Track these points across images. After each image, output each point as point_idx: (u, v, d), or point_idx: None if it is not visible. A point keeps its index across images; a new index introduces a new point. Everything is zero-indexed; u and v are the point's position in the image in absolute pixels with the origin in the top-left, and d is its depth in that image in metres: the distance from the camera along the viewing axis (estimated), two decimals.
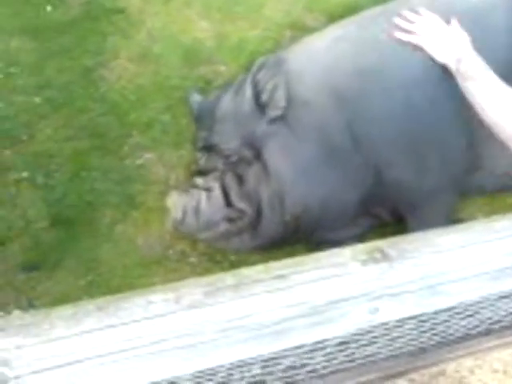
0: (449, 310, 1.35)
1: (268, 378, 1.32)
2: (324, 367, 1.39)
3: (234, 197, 2.18)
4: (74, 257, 2.24)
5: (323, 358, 1.35)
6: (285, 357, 1.27)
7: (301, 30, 2.68)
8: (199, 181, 2.24)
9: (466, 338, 1.51)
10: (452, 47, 2.06)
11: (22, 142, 2.42)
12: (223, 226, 2.19)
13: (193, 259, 2.29)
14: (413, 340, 1.43)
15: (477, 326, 1.48)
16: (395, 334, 1.36)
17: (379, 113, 2.14)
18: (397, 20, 2.15)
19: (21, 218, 2.28)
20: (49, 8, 2.71)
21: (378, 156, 2.15)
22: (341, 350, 1.35)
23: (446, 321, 1.40)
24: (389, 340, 1.39)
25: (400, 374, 1.54)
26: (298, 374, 1.38)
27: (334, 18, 2.57)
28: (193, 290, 1.07)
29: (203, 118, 2.32)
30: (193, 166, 2.37)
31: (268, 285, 1.09)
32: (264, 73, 2.17)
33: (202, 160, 2.28)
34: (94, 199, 2.34)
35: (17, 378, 0.96)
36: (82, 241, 2.27)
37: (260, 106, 2.15)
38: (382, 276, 1.12)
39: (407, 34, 2.13)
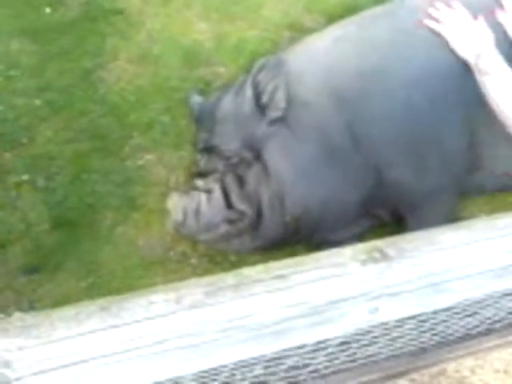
0: (449, 309, 1.35)
1: (270, 378, 1.32)
2: (326, 367, 1.39)
3: (235, 198, 2.18)
4: (75, 259, 2.24)
5: (325, 358, 1.35)
6: (287, 357, 1.27)
7: (300, 31, 2.68)
8: (199, 182, 2.24)
9: (466, 337, 1.51)
10: (474, 43, 2.08)
11: (23, 144, 2.42)
12: (223, 228, 2.19)
13: (193, 260, 2.29)
14: (413, 340, 1.43)
15: (477, 326, 1.48)
16: (395, 334, 1.37)
17: (379, 113, 2.14)
18: (430, 9, 2.15)
19: (21, 220, 2.28)
20: (48, 10, 2.71)
21: (378, 156, 2.15)
22: (342, 350, 1.35)
23: (446, 320, 1.40)
24: (389, 340, 1.39)
25: (401, 374, 1.54)
26: (300, 375, 1.38)
27: (332, 18, 2.57)
28: (193, 290, 1.07)
29: (203, 120, 2.32)
30: (193, 167, 2.37)
31: (268, 285, 1.09)
32: (264, 74, 2.17)
33: (203, 162, 2.29)
34: (94, 201, 2.34)
35: (18, 379, 0.96)
36: (82, 243, 2.28)
37: (260, 108, 2.15)
38: (381, 276, 1.12)
39: (437, 23, 2.14)
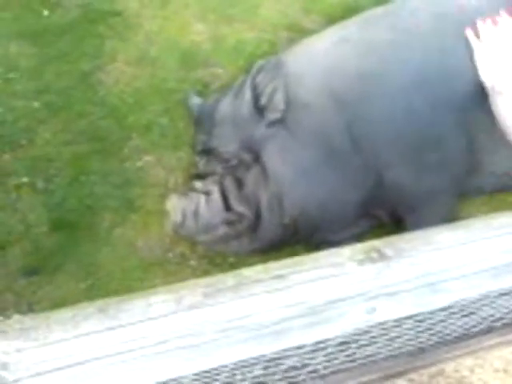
0: (447, 308, 1.35)
1: (270, 378, 1.32)
2: (325, 367, 1.39)
3: (233, 200, 2.18)
4: (74, 261, 2.24)
5: (324, 359, 1.35)
6: (286, 357, 1.27)
7: (298, 32, 2.69)
8: (198, 184, 2.25)
9: (465, 336, 1.51)
10: (497, 70, 2.06)
11: (22, 146, 2.42)
12: (222, 230, 2.19)
13: (192, 262, 2.29)
14: (411, 340, 1.43)
15: (476, 325, 1.48)
16: (394, 334, 1.37)
17: (379, 115, 2.14)
18: (480, 19, 2.13)
19: (21, 222, 2.28)
20: (46, 12, 2.71)
21: (378, 158, 2.15)
22: (341, 350, 1.35)
23: (444, 320, 1.40)
24: (388, 340, 1.39)
25: (400, 374, 1.54)
26: (299, 375, 1.38)
27: (331, 19, 2.57)
28: (193, 290, 1.08)
29: (202, 122, 2.32)
30: (192, 169, 2.37)
31: (267, 285, 1.09)
32: (263, 76, 2.18)
33: (201, 163, 2.29)
34: (93, 203, 2.34)
35: (16, 381, 0.96)
36: (81, 245, 2.28)
37: (259, 109, 2.15)
38: (378, 276, 1.13)
39: (476, 35, 2.12)
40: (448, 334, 1.46)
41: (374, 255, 1.13)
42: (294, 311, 1.10)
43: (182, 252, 2.30)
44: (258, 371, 1.28)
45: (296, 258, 1.16)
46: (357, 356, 1.41)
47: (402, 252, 1.15)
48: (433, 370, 1.58)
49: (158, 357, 1.04)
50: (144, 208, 2.36)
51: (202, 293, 1.08)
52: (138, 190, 2.38)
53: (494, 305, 1.43)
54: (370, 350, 1.40)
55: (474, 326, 1.48)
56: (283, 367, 1.32)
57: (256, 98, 2.16)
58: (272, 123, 2.14)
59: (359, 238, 2.20)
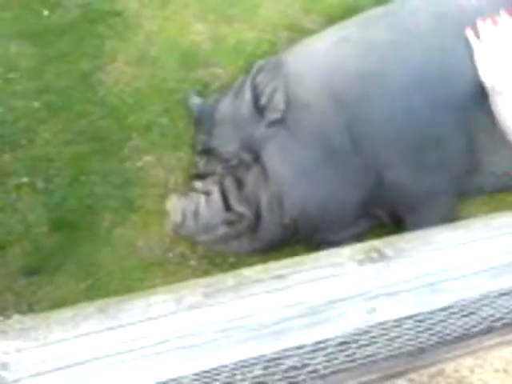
0: (447, 308, 1.35)
1: (270, 378, 1.32)
2: (325, 367, 1.39)
3: (233, 200, 2.18)
4: (74, 261, 2.24)
5: (324, 359, 1.35)
6: (286, 357, 1.27)
7: (298, 32, 2.69)
8: (198, 184, 2.25)
9: (465, 336, 1.51)
10: (497, 70, 2.06)
11: (22, 146, 2.42)
12: (222, 230, 2.19)
13: (193, 262, 2.29)
14: (411, 340, 1.43)
15: (476, 325, 1.48)
16: (394, 334, 1.37)
17: (379, 115, 2.14)
18: (480, 19, 2.12)
19: (21, 222, 2.29)
20: (46, 12, 2.72)
21: (378, 158, 2.15)
22: (341, 350, 1.35)
23: (444, 320, 1.40)
24: (388, 340, 1.39)
25: (400, 374, 1.54)
26: (299, 375, 1.38)
27: (331, 19, 2.58)
28: (193, 290, 1.08)
29: (202, 122, 2.32)
30: (192, 169, 2.37)
31: (267, 285, 1.09)
32: (263, 76, 2.18)
33: (201, 163, 2.29)
34: (93, 203, 2.34)
35: (16, 381, 0.96)
36: (81, 245, 2.28)
37: (259, 109, 2.15)
38: (378, 276, 1.12)
39: (476, 35, 2.12)
40: (448, 334, 1.46)
41: (374, 255, 1.13)
42: (294, 311, 1.10)
43: (182, 252, 2.30)
44: (258, 371, 1.28)
45: (296, 258, 1.16)
46: (357, 356, 1.41)
47: (402, 252, 1.15)
48: (433, 370, 1.58)
49: (158, 357, 1.04)
50: (144, 208, 2.36)
51: (201, 293, 1.08)
52: (138, 190, 2.38)
53: (493, 305, 1.43)
54: (370, 350, 1.40)
55: (474, 326, 1.48)
56: (283, 367, 1.32)
57: (256, 98, 2.16)
58: (272, 123, 2.14)
59: (359, 238, 2.20)
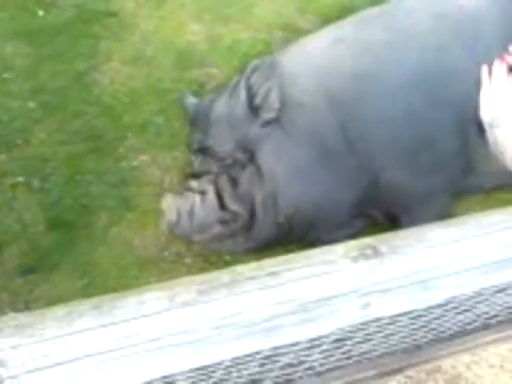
0: (442, 305, 1.35)
1: (266, 375, 1.33)
2: (321, 364, 1.40)
3: (228, 199, 2.18)
4: (71, 260, 2.24)
5: (320, 356, 1.36)
6: (282, 354, 1.27)
7: (293, 32, 2.69)
8: (193, 183, 2.25)
9: (460, 334, 1.51)
10: (497, 105, 2.04)
11: (17, 146, 2.43)
12: (217, 229, 2.19)
13: (188, 260, 2.30)
14: (407, 337, 1.43)
15: (472, 322, 1.49)
16: (389, 331, 1.37)
17: (374, 115, 2.14)
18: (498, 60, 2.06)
19: (17, 221, 2.29)
20: (41, 12, 2.72)
21: (372, 158, 2.15)
22: (337, 348, 1.36)
23: (438, 317, 1.40)
24: (383, 337, 1.40)
25: (396, 371, 1.55)
26: (295, 372, 1.38)
27: (326, 19, 2.58)
28: (187, 288, 1.08)
29: (198, 121, 2.32)
30: (187, 168, 2.38)
31: (260, 282, 1.09)
32: (258, 76, 2.18)
33: (197, 163, 2.29)
34: (89, 202, 2.35)
35: (12, 377, 0.96)
36: (78, 244, 2.28)
37: (254, 109, 2.15)
38: (372, 272, 1.12)
39: (495, 68, 2.07)
40: (443, 332, 1.47)
41: (368, 252, 1.13)
42: (286, 308, 1.10)
43: (177, 250, 2.30)
44: (254, 368, 1.28)
45: (290, 255, 1.15)
46: (352, 353, 1.41)
47: (397, 249, 1.15)
48: (430, 366, 1.59)
49: (152, 354, 1.04)
50: (140, 207, 2.36)
51: (195, 290, 1.07)
52: (134, 189, 2.38)
53: (488, 302, 1.44)
54: (365, 347, 1.41)
55: (470, 324, 1.49)
56: (279, 364, 1.32)
57: (251, 97, 2.16)
58: (267, 123, 2.14)
59: (353, 238, 2.20)
